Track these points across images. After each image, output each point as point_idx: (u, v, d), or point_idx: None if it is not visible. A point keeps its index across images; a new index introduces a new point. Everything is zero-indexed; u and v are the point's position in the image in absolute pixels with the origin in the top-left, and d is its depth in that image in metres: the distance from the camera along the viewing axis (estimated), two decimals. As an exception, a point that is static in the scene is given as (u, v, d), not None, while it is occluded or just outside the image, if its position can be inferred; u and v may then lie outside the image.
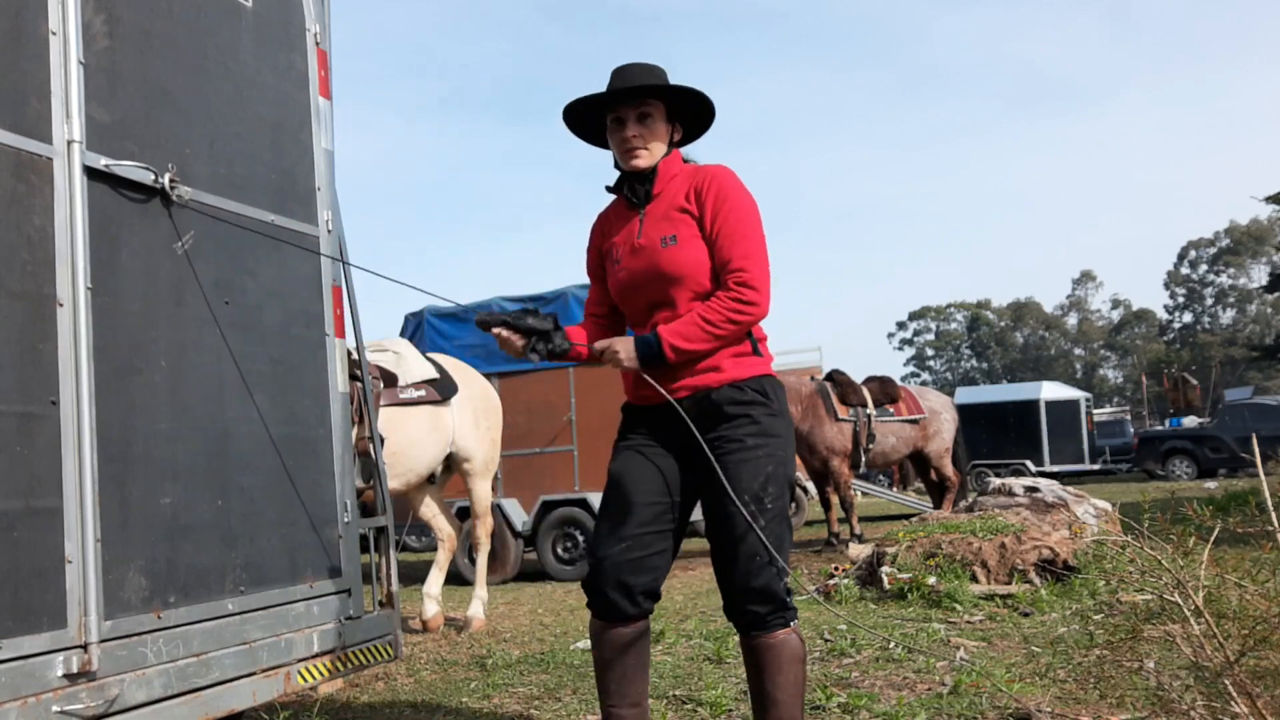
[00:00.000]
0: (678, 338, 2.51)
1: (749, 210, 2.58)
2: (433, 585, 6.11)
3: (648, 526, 2.57)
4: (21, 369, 2.29)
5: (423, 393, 5.67)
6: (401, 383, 5.58)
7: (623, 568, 2.54)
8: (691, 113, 2.71)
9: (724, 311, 2.50)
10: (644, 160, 2.63)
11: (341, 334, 3.30)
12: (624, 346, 2.57)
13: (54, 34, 2.45)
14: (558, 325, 2.63)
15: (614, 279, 2.70)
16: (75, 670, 2.30)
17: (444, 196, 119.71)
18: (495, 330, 2.59)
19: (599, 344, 2.60)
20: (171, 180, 2.69)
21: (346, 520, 3.21)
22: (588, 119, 2.72)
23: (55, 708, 2.23)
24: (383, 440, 5.12)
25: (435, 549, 12.73)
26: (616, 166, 2.72)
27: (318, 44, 3.33)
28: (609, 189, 2.75)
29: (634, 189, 2.67)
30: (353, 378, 4.98)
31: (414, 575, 9.43)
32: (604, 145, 2.76)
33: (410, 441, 5.52)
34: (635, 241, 2.64)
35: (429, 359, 6.04)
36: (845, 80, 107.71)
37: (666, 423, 2.59)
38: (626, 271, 2.65)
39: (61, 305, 2.39)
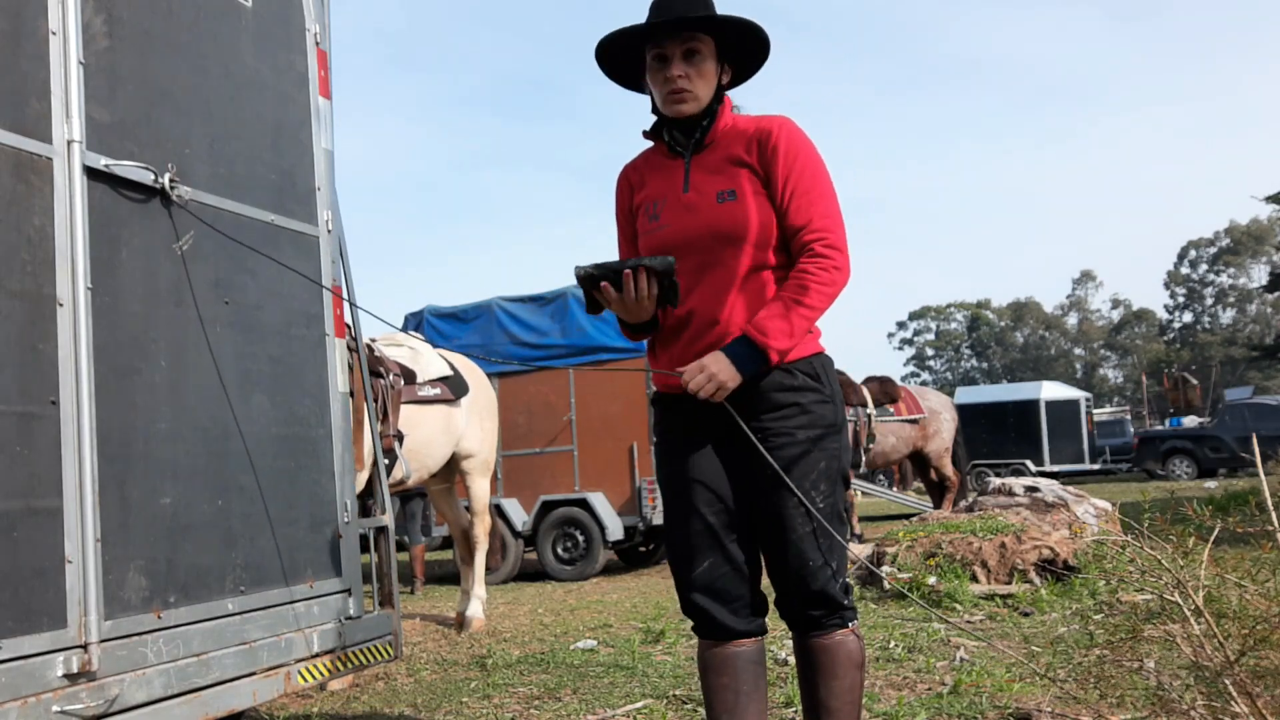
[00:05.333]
0: (782, 336, 2.17)
1: (822, 167, 2.29)
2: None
3: (722, 538, 2.30)
4: (21, 369, 2.29)
5: (438, 390, 5.64)
6: (419, 379, 5.55)
7: (713, 583, 2.29)
8: (743, 51, 2.37)
9: (817, 286, 2.18)
10: (691, 106, 2.29)
11: (341, 334, 3.30)
12: (721, 368, 2.17)
13: (54, 34, 2.45)
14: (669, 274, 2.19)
15: (654, 238, 2.35)
16: (75, 670, 2.29)
17: (444, 196, 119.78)
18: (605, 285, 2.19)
19: (686, 371, 2.20)
20: (171, 180, 2.68)
21: (346, 520, 3.20)
22: (624, 57, 2.37)
23: (55, 708, 2.23)
24: (401, 437, 5.11)
25: (433, 549, 12.71)
26: (655, 112, 2.38)
27: (318, 44, 3.32)
28: (646, 134, 2.43)
29: (676, 136, 2.35)
30: (375, 374, 4.98)
31: (414, 575, 9.41)
32: (639, 89, 2.44)
33: (426, 440, 5.49)
34: (682, 196, 2.32)
35: (440, 355, 6.03)
36: (843, 77, 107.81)
37: (705, 411, 2.29)
38: (674, 230, 2.31)
39: (61, 305, 2.39)
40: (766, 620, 2.38)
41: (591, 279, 2.19)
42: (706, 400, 2.22)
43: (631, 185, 2.48)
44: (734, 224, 2.25)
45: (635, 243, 2.45)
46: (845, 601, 2.29)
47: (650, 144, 2.47)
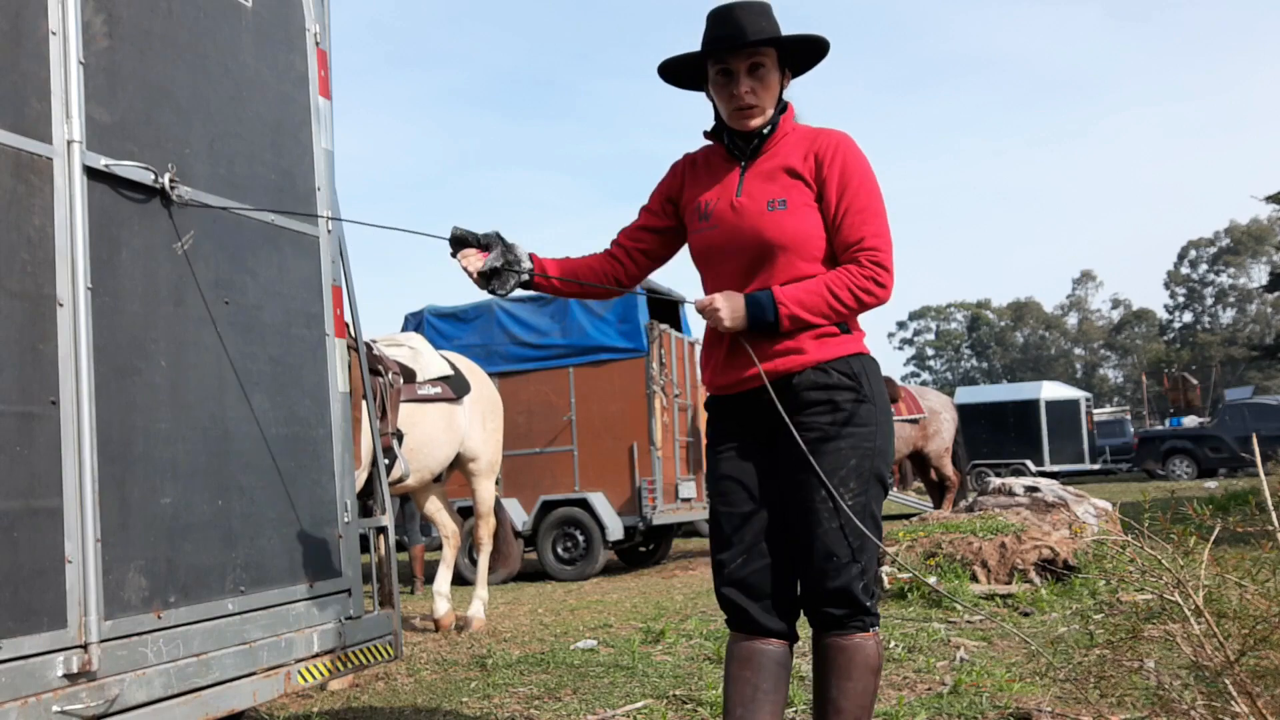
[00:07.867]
0: (797, 305, 2.26)
1: (876, 186, 2.36)
2: (442, 583, 6.09)
3: (756, 537, 2.35)
4: (21, 369, 2.29)
5: (439, 390, 5.64)
6: (419, 379, 5.55)
7: (744, 579, 2.35)
8: (802, 58, 2.43)
9: (853, 287, 2.27)
10: (759, 119, 2.36)
11: (341, 334, 3.30)
12: (728, 306, 2.28)
13: (54, 34, 2.45)
14: (508, 261, 2.51)
15: (702, 237, 2.43)
16: (75, 670, 2.29)
17: (443, 195, 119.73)
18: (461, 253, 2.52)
19: (700, 300, 2.32)
20: (171, 180, 2.68)
21: (346, 520, 3.20)
22: (686, 65, 2.43)
23: (55, 708, 2.23)
24: (400, 436, 5.10)
25: (433, 549, 12.73)
26: (718, 120, 2.44)
27: (318, 44, 3.32)
28: (708, 134, 2.49)
29: (737, 140, 2.41)
30: (374, 373, 4.98)
31: (414, 575, 9.41)
32: (695, 88, 2.49)
33: (426, 439, 5.48)
34: (734, 199, 2.37)
35: (442, 356, 6.02)
36: (843, 75, 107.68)
37: (751, 411, 2.38)
38: (722, 232, 2.38)
39: (61, 305, 2.39)
40: (798, 629, 2.40)
41: (458, 241, 2.58)
42: (754, 401, 2.34)
43: (686, 175, 2.54)
44: (780, 232, 2.31)
45: (658, 217, 2.55)
46: (868, 604, 2.30)
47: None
